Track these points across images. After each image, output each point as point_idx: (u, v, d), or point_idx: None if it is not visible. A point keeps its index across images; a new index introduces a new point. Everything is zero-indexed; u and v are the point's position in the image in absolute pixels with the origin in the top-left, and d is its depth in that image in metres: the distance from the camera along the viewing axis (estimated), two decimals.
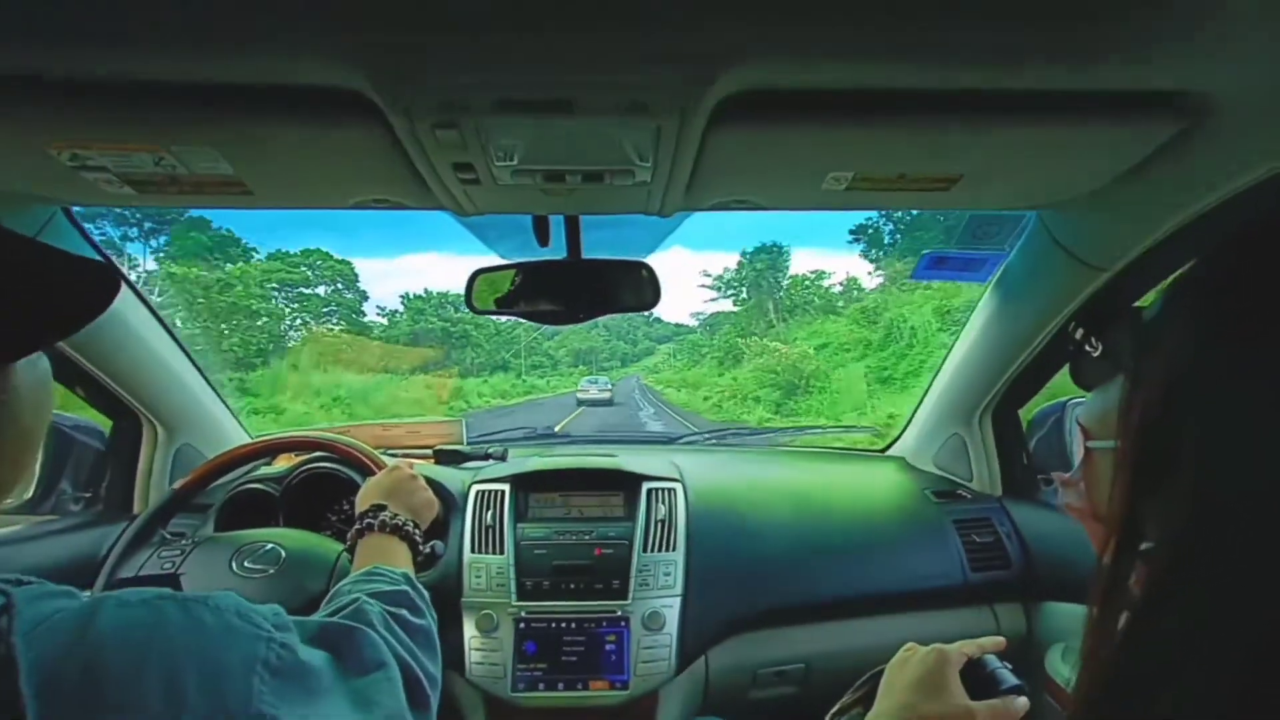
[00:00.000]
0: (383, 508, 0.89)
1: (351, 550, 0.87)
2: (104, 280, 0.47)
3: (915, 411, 1.51)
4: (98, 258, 1.03)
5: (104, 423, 1.34)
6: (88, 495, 1.33)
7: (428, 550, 1.14)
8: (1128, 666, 0.34)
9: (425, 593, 0.73)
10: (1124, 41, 0.53)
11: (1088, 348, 0.42)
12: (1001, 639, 0.67)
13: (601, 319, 1.08)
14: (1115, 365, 0.40)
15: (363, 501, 0.93)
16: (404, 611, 0.66)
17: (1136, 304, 0.40)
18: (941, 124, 0.64)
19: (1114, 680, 0.34)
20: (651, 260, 0.98)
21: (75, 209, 0.93)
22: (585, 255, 1.00)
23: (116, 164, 0.70)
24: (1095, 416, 0.43)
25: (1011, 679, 0.64)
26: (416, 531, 0.90)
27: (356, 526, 0.88)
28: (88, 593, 0.45)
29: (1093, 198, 0.78)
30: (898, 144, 0.68)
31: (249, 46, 0.56)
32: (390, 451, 1.55)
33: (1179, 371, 0.34)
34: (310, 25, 0.53)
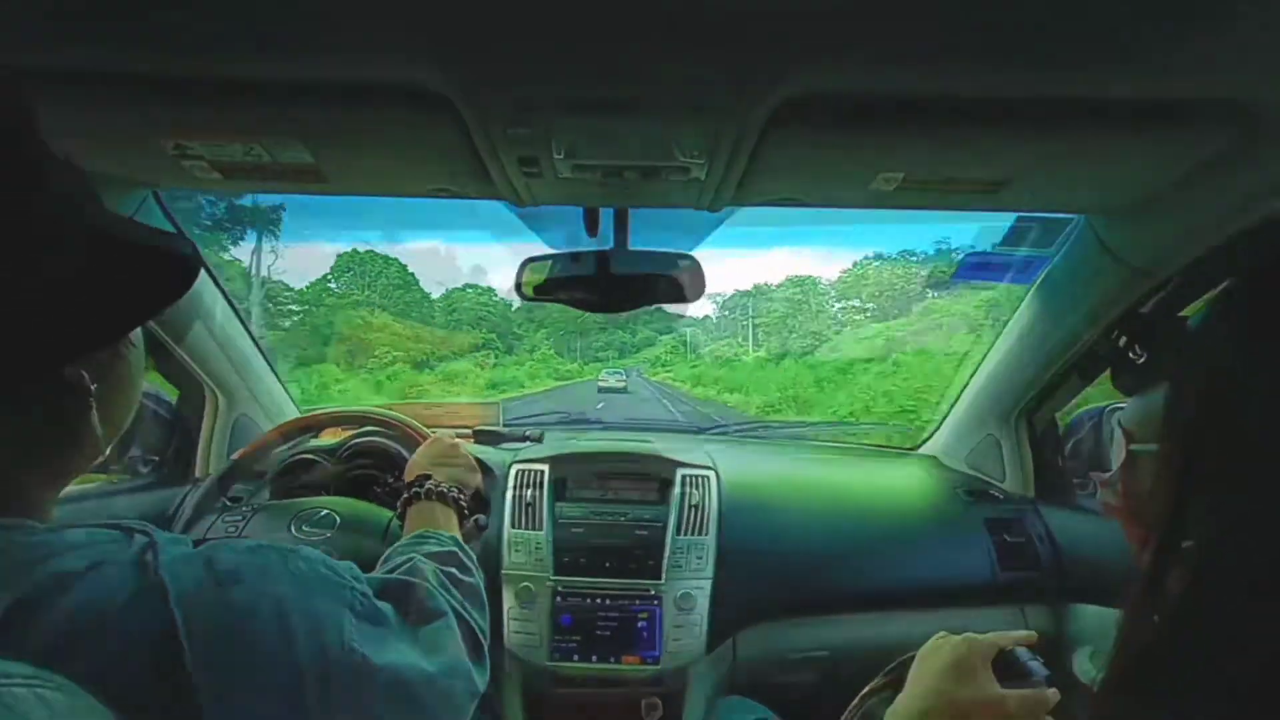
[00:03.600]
0: (428, 477, 0.94)
1: (402, 518, 0.91)
2: (192, 256, 0.52)
3: (949, 411, 1.52)
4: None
5: (170, 390, 1.43)
6: (155, 458, 1.43)
7: (473, 522, 1.19)
8: (1157, 660, 0.35)
9: (473, 554, 0.78)
10: (1176, 51, 0.54)
11: (1131, 355, 0.43)
12: (1033, 634, 0.68)
13: None
14: (1159, 371, 0.42)
15: (410, 473, 0.98)
16: (454, 570, 0.70)
17: (1182, 312, 0.41)
18: (991, 130, 0.66)
19: (1143, 672, 0.36)
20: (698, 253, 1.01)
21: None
22: (631, 246, 1.03)
23: (212, 153, 0.75)
24: (1138, 420, 0.45)
25: (1042, 670, 0.65)
26: (461, 497, 0.94)
27: (405, 495, 0.92)
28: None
29: (1143, 203, 0.78)
30: (946, 148, 0.69)
31: (342, 49, 0.60)
32: (432, 430, 1.61)
33: (1223, 380, 0.36)
34: (398, 30, 0.57)
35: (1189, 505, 0.36)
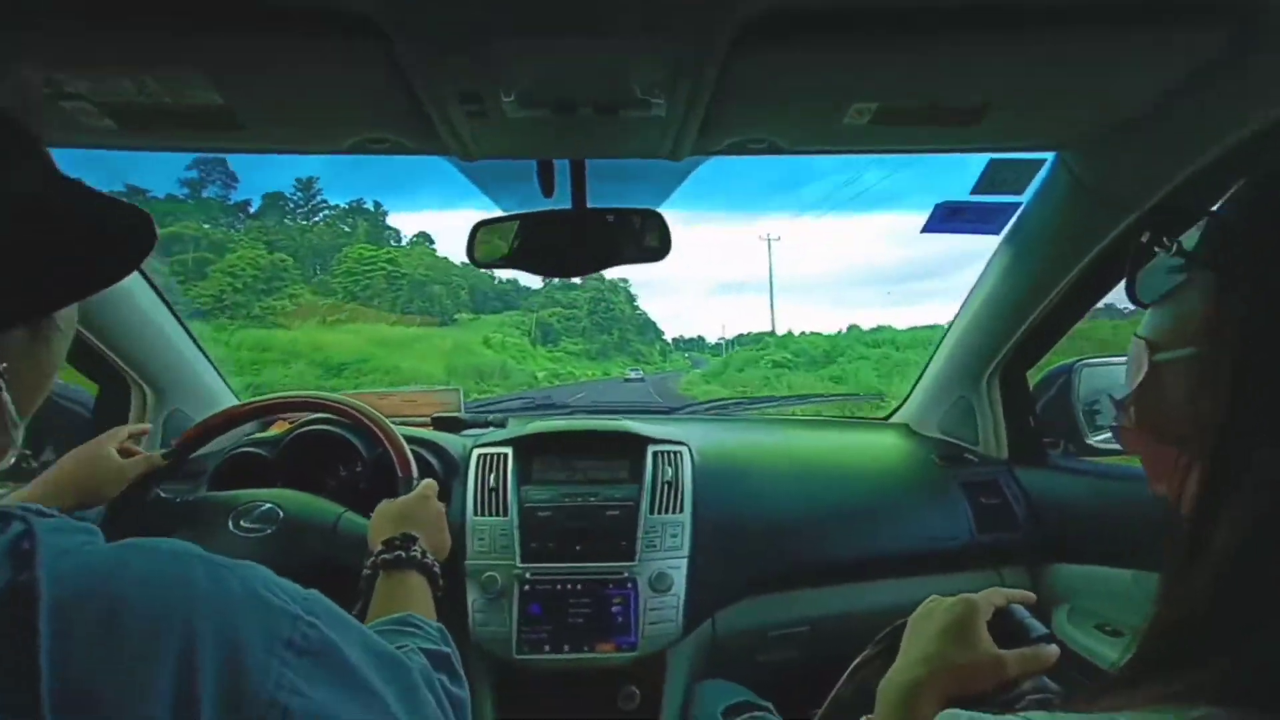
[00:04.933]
0: (414, 540, 0.78)
1: (369, 581, 0.76)
2: (142, 224, 0.46)
3: (920, 376, 1.50)
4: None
5: (89, 387, 1.30)
6: None
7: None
8: (1220, 609, 0.31)
9: (458, 654, 0.66)
10: None
11: (1158, 249, 0.39)
12: (1030, 594, 0.65)
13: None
14: (1196, 266, 0.37)
15: (391, 523, 0.83)
16: (444, 677, 0.59)
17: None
18: (970, 42, 0.61)
19: (1198, 626, 0.31)
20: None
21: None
22: (590, 205, 0.96)
23: (95, 91, 0.65)
24: (1165, 326, 0.39)
25: (1040, 628, 0.62)
26: (439, 571, 0.80)
27: (383, 554, 0.76)
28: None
29: (1120, 131, 0.75)
30: (924, 67, 0.64)
31: None
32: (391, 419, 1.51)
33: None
34: None
35: (1243, 419, 0.32)
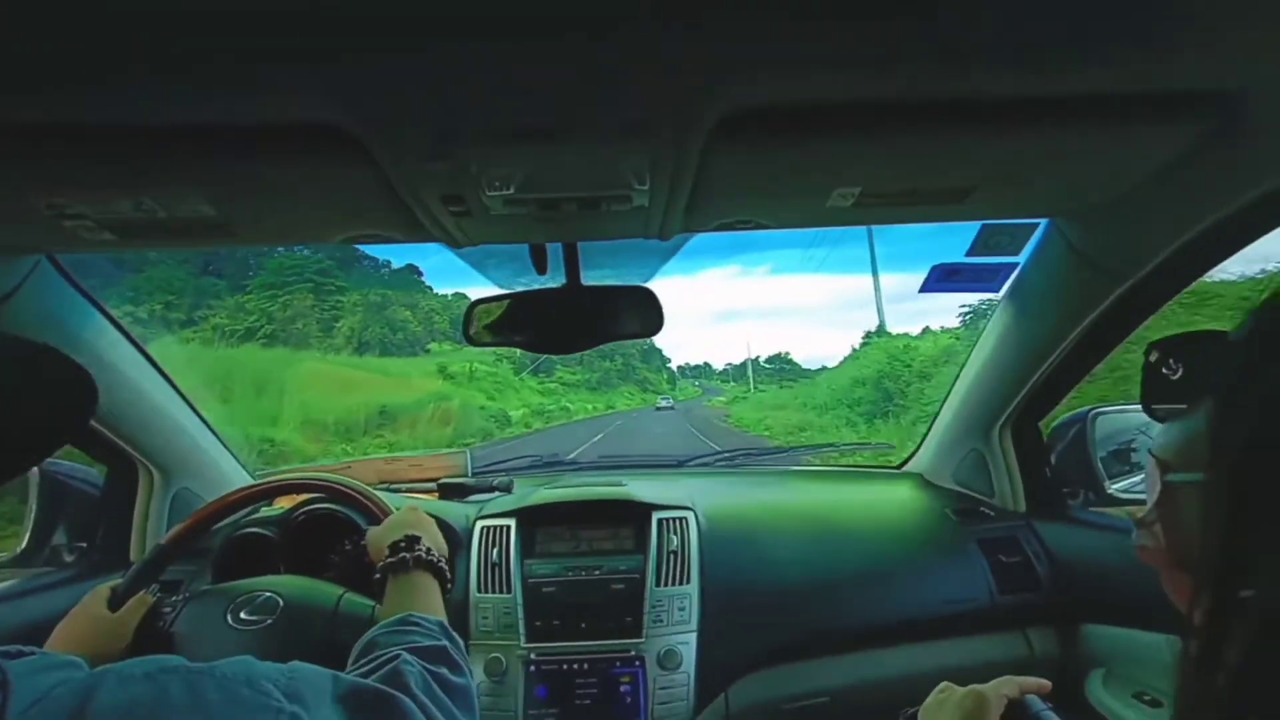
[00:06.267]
0: (418, 539, 0.82)
1: (380, 586, 0.79)
2: (83, 388, 0.48)
3: (930, 426, 1.47)
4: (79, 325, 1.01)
5: (93, 466, 1.30)
6: (83, 545, 1.30)
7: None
8: None
9: (462, 643, 0.68)
10: (1147, 40, 0.50)
11: (1165, 370, 0.38)
12: (1046, 682, 0.62)
13: None
14: (1201, 390, 0.36)
15: (389, 533, 0.86)
16: (444, 670, 0.60)
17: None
18: (951, 134, 0.61)
19: None
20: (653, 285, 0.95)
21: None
22: (585, 282, 0.97)
23: (95, 210, 0.67)
24: (1176, 447, 0.38)
25: None
26: (446, 567, 0.83)
27: (389, 559, 0.80)
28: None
29: (1113, 203, 0.74)
30: (906, 157, 0.64)
31: (226, 85, 0.53)
32: (393, 486, 1.51)
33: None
34: (287, 60, 0.50)
35: (1248, 545, 0.30)
